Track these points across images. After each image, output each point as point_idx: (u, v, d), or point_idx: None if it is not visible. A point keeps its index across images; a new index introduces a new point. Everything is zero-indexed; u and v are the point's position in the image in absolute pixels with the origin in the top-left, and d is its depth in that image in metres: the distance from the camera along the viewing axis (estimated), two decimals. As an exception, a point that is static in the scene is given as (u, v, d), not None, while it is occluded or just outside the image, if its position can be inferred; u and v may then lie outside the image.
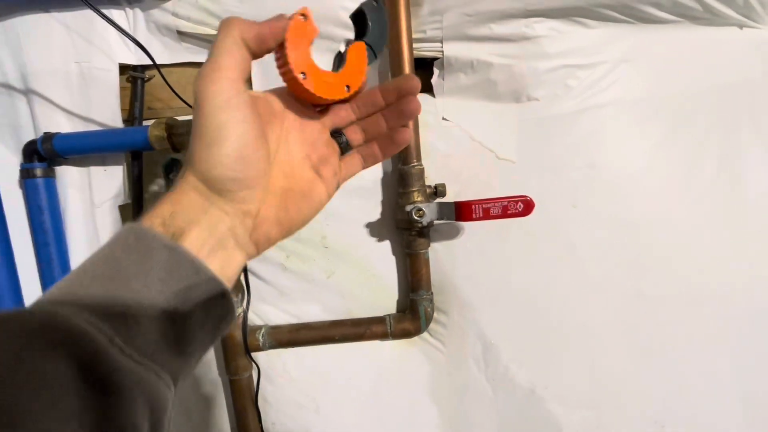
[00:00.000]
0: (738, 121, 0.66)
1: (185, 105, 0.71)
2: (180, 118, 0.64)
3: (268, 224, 0.28)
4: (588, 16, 0.63)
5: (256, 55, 0.28)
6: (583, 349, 0.68)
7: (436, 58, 0.66)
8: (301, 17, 0.28)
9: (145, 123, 0.68)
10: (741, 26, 0.68)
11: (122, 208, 0.70)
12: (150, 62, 0.68)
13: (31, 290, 0.65)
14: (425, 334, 0.70)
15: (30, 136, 0.65)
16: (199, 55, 0.67)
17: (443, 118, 0.67)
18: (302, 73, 0.28)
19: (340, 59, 0.31)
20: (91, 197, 0.67)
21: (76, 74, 0.65)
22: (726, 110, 0.67)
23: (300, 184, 0.30)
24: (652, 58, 0.66)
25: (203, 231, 0.26)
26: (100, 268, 0.24)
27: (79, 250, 0.67)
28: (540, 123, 0.66)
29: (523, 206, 0.57)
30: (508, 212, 0.57)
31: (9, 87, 0.64)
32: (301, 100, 0.31)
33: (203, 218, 0.26)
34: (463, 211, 0.58)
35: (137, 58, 0.68)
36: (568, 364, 0.68)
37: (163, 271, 0.24)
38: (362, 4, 0.31)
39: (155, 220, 0.25)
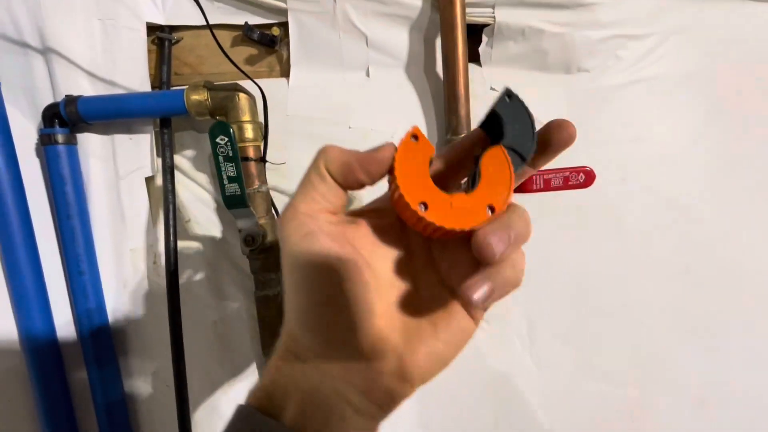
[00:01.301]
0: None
1: (214, 71, 0.67)
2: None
3: (386, 379, 0.23)
4: (644, -17, 0.61)
5: (346, 186, 0.24)
6: (627, 327, 0.67)
7: (486, 25, 0.63)
8: (413, 138, 0.24)
9: (172, 89, 0.64)
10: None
11: (149, 180, 0.65)
12: (177, 23, 0.63)
13: (52, 266, 0.60)
14: (468, 313, 0.68)
15: (48, 99, 0.60)
16: (234, 17, 0.63)
17: (491, 89, 0.65)
18: (422, 203, 0.23)
19: (473, 173, 0.25)
20: (115, 168, 0.63)
21: (99, 32, 0.60)
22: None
23: (430, 318, 0.24)
24: (701, 31, 0.65)
25: (304, 402, 0.23)
26: None
27: (102, 225, 0.62)
28: (589, 95, 0.65)
29: (585, 177, 0.55)
30: (569, 183, 0.55)
31: (25, 45, 0.58)
32: (428, 234, 0.25)
33: (305, 386, 0.23)
34: (523, 183, 0.56)
35: (165, 18, 0.63)
36: (613, 341, 0.67)
37: None
38: (495, 105, 0.25)
39: (263, 399, 0.24)
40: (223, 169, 0.51)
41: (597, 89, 0.65)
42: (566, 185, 0.56)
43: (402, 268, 0.26)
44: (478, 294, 0.20)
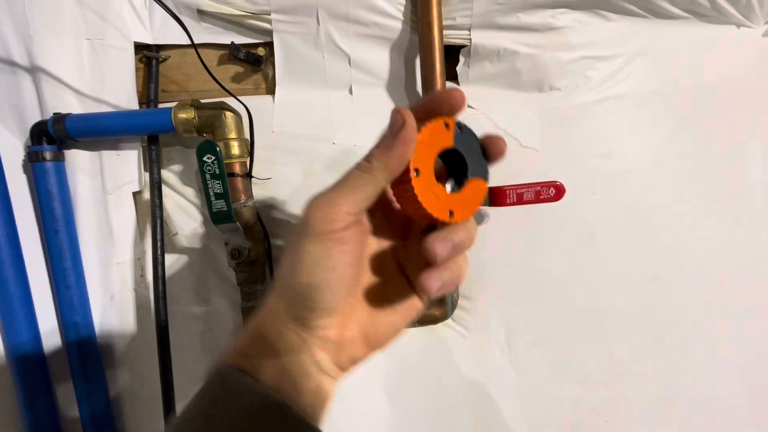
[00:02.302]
0: (737, 116, 0.70)
1: (201, 89, 0.68)
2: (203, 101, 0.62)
3: (353, 346, 0.28)
4: (610, 8, 0.65)
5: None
6: (601, 332, 0.70)
7: (463, 46, 0.66)
8: (444, 125, 0.28)
9: (160, 106, 0.65)
10: (739, 25, 0.72)
11: (136, 195, 0.67)
12: (164, 42, 0.65)
13: (39, 280, 0.61)
14: (449, 321, 0.70)
15: (35, 117, 0.61)
16: (221, 36, 0.65)
17: (469, 106, 0.68)
18: (416, 169, 0.26)
19: (456, 181, 0.30)
20: (103, 183, 0.64)
21: (87, 51, 0.61)
22: (727, 105, 0.71)
23: (391, 296, 0.30)
24: (663, 52, 0.70)
25: (282, 361, 0.25)
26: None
27: (90, 239, 0.63)
28: (561, 112, 0.68)
29: (555, 191, 0.58)
30: (541, 197, 0.58)
31: (12, 64, 0.60)
32: (406, 206, 0.29)
33: (281, 346, 0.26)
34: (496, 197, 0.58)
35: (152, 37, 0.65)
36: (586, 346, 0.70)
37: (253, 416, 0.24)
38: (455, 143, 0.29)
39: (238, 356, 0.26)
40: (210, 186, 0.52)
41: (568, 107, 0.68)
42: (538, 199, 0.59)
43: (377, 260, 0.31)
44: (431, 285, 0.26)
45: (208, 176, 0.52)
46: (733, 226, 0.70)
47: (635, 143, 0.70)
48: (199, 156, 0.51)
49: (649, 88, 0.69)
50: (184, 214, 0.67)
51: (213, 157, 0.51)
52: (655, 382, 0.71)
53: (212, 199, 0.53)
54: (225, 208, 0.53)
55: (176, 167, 0.67)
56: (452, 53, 0.67)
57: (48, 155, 0.59)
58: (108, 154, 0.64)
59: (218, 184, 0.52)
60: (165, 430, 0.25)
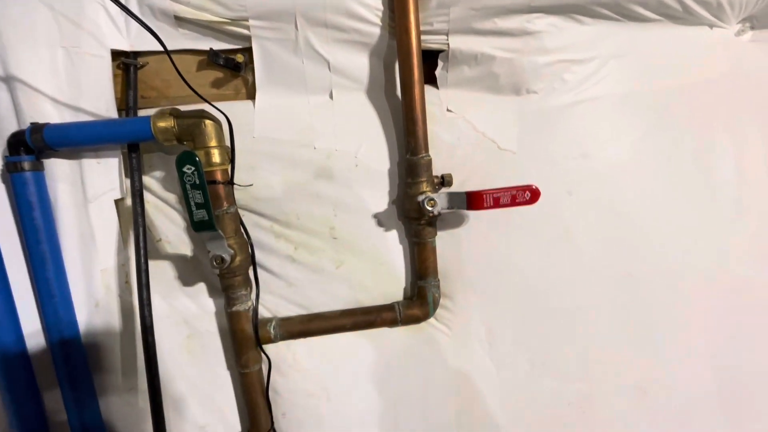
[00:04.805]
0: (710, 116, 0.73)
1: (180, 94, 0.68)
2: (182, 108, 0.62)
3: None
4: (583, 13, 0.66)
5: None
6: (577, 327, 0.73)
7: (441, 51, 0.67)
8: None
9: (139, 113, 0.65)
10: (711, 26, 0.74)
11: (118, 202, 0.67)
12: (142, 49, 0.65)
13: (23, 290, 0.61)
14: (432, 320, 0.72)
15: (12, 127, 0.60)
16: (199, 42, 0.65)
17: (448, 110, 0.69)
18: None
19: None
20: (83, 191, 0.64)
21: (63, 60, 0.61)
22: (700, 105, 0.73)
23: None
24: (637, 54, 0.71)
25: None
26: None
27: (72, 247, 0.63)
28: (538, 115, 0.70)
29: (530, 195, 0.60)
30: (516, 201, 0.60)
31: (-13, 73, 0.59)
32: None
33: None
34: (474, 201, 0.60)
35: (129, 44, 0.64)
36: (564, 341, 0.73)
37: None
38: None
39: None
40: (190, 196, 0.53)
41: (545, 110, 0.70)
42: (514, 203, 0.61)
43: None
44: None
45: (188, 186, 0.52)
46: (704, 224, 0.72)
47: (610, 144, 0.71)
48: (179, 167, 0.51)
49: (624, 89, 0.71)
50: (167, 220, 0.68)
51: (193, 168, 0.52)
52: (628, 374, 0.74)
53: (193, 208, 0.53)
54: (206, 218, 0.54)
55: (158, 173, 0.67)
56: (431, 58, 0.68)
57: (27, 165, 0.59)
58: (88, 162, 0.64)
59: (199, 194, 0.53)
60: None
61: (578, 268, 0.72)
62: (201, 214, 0.54)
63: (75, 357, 0.63)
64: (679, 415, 0.75)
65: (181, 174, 0.52)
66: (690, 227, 0.73)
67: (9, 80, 0.59)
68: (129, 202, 0.67)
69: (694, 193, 0.72)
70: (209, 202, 0.54)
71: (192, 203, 0.53)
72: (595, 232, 0.71)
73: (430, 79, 0.69)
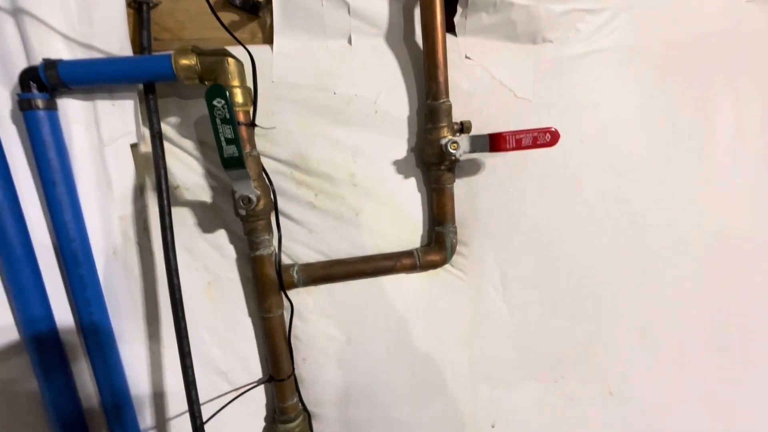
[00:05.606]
0: (712, 71, 0.76)
1: (195, 37, 0.67)
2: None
3: None
4: (599, -40, 0.68)
5: None
6: (585, 272, 0.76)
7: (461, -4, 0.67)
8: None
9: (155, 54, 0.63)
10: (714, -18, 0.76)
11: (134, 147, 0.65)
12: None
13: (40, 235, 0.60)
14: (447, 266, 0.74)
15: (22, 64, 0.58)
16: (216, -19, 0.63)
17: (466, 57, 0.70)
18: None
19: None
20: (99, 134, 0.62)
21: (74, -6, 0.58)
22: (702, 60, 0.75)
23: None
24: (645, 7, 0.73)
25: None
26: None
27: (89, 193, 0.62)
28: (553, 64, 0.71)
29: (551, 137, 0.62)
30: (537, 142, 0.62)
31: (-7, 5, 0.56)
32: None
33: None
34: (497, 142, 0.62)
35: (143, -19, 0.62)
36: (573, 285, 0.76)
37: None
38: None
39: None
40: (220, 131, 0.52)
41: (559, 59, 0.71)
42: (535, 144, 0.63)
43: None
44: None
45: (218, 121, 0.52)
46: (703, 176, 0.76)
47: (619, 95, 0.74)
48: (209, 100, 0.51)
49: (633, 42, 0.73)
50: (185, 167, 0.67)
51: (223, 101, 0.51)
52: (630, 316, 0.78)
53: (223, 144, 0.53)
54: (236, 154, 0.54)
55: (173, 119, 0.66)
56: (450, 3, 0.68)
57: (40, 103, 0.56)
58: (102, 104, 0.62)
59: (229, 128, 0.52)
60: None
61: (587, 215, 0.75)
62: (231, 150, 0.53)
63: (96, 303, 0.62)
64: (675, 354, 0.80)
65: (211, 108, 0.51)
66: (690, 179, 0.76)
67: (17, 14, 0.56)
68: (143, 148, 0.66)
69: (694, 145, 0.76)
70: (239, 138, 0.53)
71: (222, 138, 0.53)
72: (602, 180, 0.74)
73: (448, 26, 0.69)
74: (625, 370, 0.80)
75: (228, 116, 0.52)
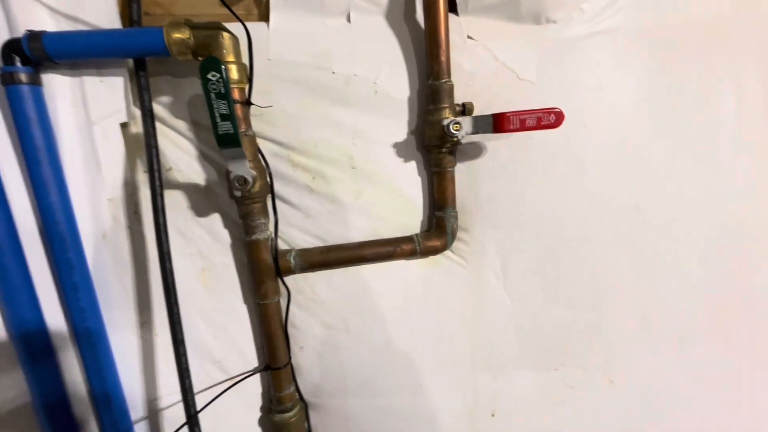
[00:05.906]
0: (716, 53, 0.74)
1: (188, 12, 0.64)
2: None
3: None
4: (605, -62, 0.66)
5: None
6: (587, 259, 0.75)
7: (463, -27, 0.65)
8: None
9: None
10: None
11: (124, 127, 0.63)
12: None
13: (25, 217, 0.57)
14: (448, 252, 0.73)
15: (3, 36, 0.55)
16: (209, -47, 0.60)
17: (468, 37, 0.68)
18: None
19: None
20: (86, 112, 0.59)
21: (59, -37, 0.55)
22: (706, 43, 0.74)
23: None
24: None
25: None
26: None
27: (76, 174, 0.59)
28: (556, 45, 0.70)
29: (555, 118, 0.61)
30: (542, 123, 0.60)
31: (-28, -27, 0.53)
32: None
33: None
34: (500, 123, 0.60)
35: (132, -49, 0.59)
36: (575, 272, 0.75)
37: None
38: None
39: None
40: (215, 106, 0.50)
41: (563, 40, 0.70)
42: (539, 125, 0.61)
43: None
44: None
45: (213, 96, 0.49)
46: (705, 160, 0.75)
47: (622, 78, 0.72)
48: (203, 74, 0.48)
49: (636, 24, 0.72)
50: (178, 148, 0.64)
51: (218, 75, 0.49)
52: (632, 303, 0.77)
53: (218, 120, 0.51)
54: (231, 131, 0.51)
55: (165, 99, 0.63)
56: (452, -18, 0.66)
57: (24, 77, 0.54)
58: (90, 81, 0.59)
59: (224, 104, 0.50)
60: None
61: (589, 200, 0.73)
62: (226, 127, 0.51)
63: (85, 289, 0.60)
64: (676, 342, 0.80)
65: (205, 81, 0.49)
66: (691, 163, 0.75)
67: (-2, -18, 0.53)
68: (134, 128, 0.63)
69: (696, 129, 0.75)
70: (234, 114, 0.51)
71: (217, 114, 0.50)
72: (605, 164, 0.73)
73: (451, 6, 0.67)
74: (626, 358, 0.79)
75: (223, 91, 0.50)
